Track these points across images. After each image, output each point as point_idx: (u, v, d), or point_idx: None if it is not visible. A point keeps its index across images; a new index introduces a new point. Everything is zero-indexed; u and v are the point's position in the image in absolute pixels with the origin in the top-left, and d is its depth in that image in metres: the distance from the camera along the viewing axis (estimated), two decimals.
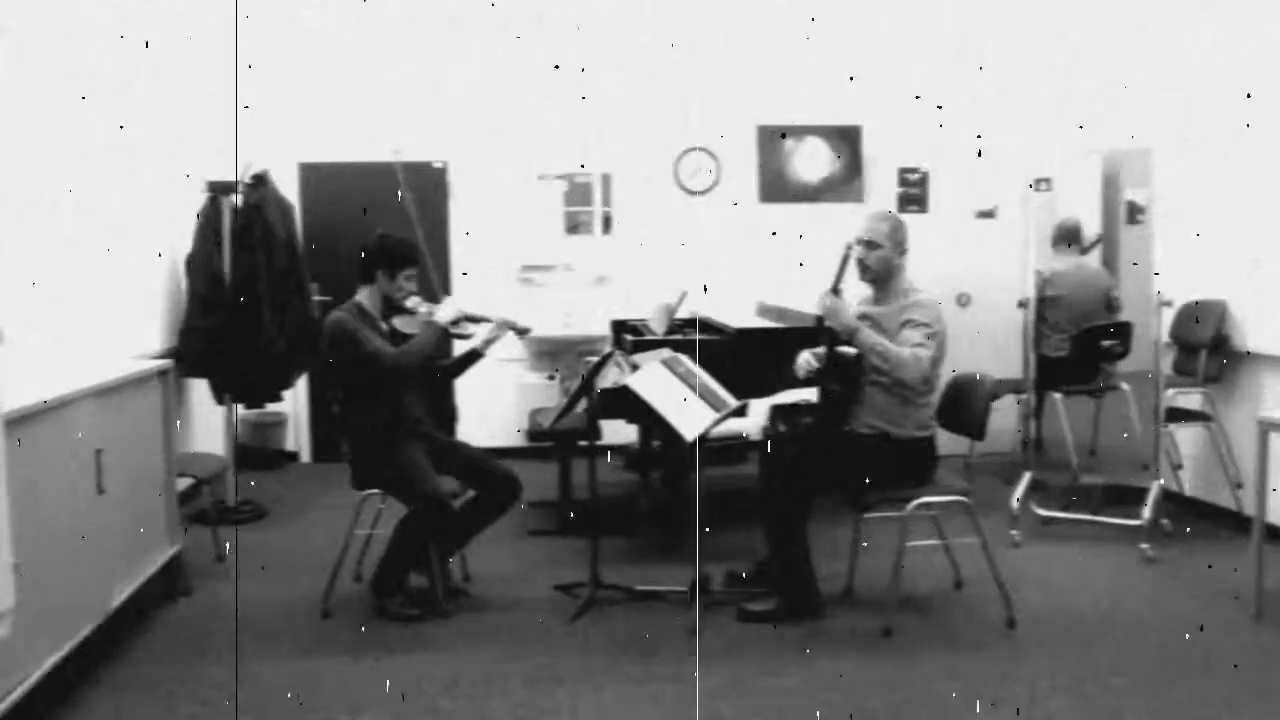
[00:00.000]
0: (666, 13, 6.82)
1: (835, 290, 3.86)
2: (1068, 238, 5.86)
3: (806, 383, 4.13)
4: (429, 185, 6.83)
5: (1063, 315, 5.63)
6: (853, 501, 3.99)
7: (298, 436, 7.00)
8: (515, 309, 4.59)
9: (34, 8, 4.21)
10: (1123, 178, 5.99)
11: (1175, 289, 5.00)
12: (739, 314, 5.46)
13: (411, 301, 4.12)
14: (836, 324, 3.84)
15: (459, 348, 4.41)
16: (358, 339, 3.97)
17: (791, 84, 6.97)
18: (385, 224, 4.37)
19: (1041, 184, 6.05)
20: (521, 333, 4.36)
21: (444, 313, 4.11)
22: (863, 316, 3.98)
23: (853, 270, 3.95)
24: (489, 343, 4.26)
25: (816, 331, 3.98)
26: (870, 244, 3.94)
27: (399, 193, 3.99)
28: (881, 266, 3.96)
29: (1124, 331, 5.43)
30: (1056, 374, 5.48)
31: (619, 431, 5.37)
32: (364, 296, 4.16)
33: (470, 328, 4.26)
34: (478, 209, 6.97)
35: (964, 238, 6.76)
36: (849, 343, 3.87)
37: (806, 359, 4.03)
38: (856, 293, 4.14)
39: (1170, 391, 5.07)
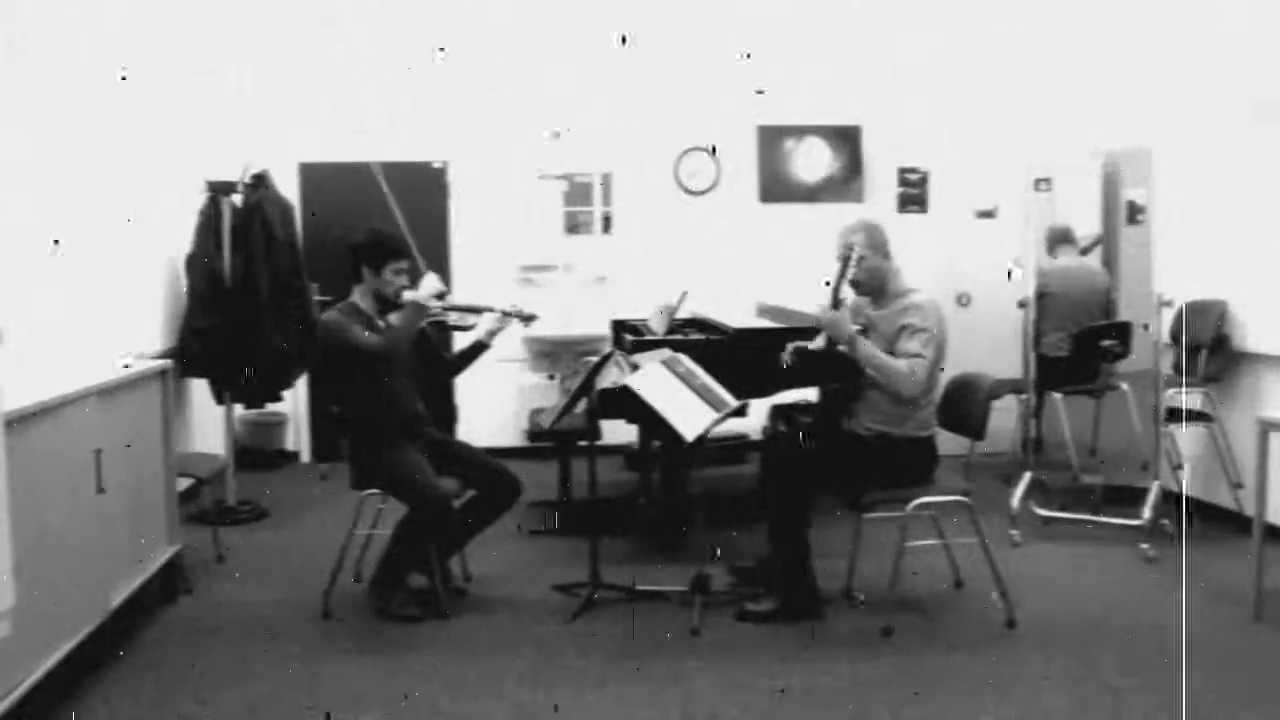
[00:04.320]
0: (667, 13, 6.82)
1: (835, 304, 3.87)
2: (1061, 240, 5.87)
3: (801, 377, 4.09)
4: (429, 185, 6.83)
5: (1061, 312, 5.63)
6: (853, 501, 3.99)
7: (298, 436, 7.00)
8: (515, 300, 4.57)
9: (35, 7, 4.21)
10: (1123, 178, 5.98)
11: (1175, 289, 5.00)
12: (739, 314, 5.46)
13: (407, 295, 4.09)
14: (836, 337, 3.83)
15: (463, 341, 4.38)
16: (343, 335, 3.96)
17: (791, 84, 6.96)
18: (383, 224, 4.36)
19: (1041, 184, 6.05)
20: (527, 320, 4.33)
21: (424, 289, 3.99)
22: (863, 325, 3.99)
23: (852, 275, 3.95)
24: (494, 333, 4.25)
25: (816, 332, 3.98)
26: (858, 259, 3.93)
27: (382, 193, 3.97)
28: (871, 276, 3.96)
29: (1124, 331, 5.43)
30: (1056, 374, 5.47)
31: (619, 432, 5.37)
32: (358, 295, 4.16)
33: (472, 319, 4.24)
34: (478, 209, 6.97)
35: (964, 238, 6.76)
36: (849, 350, 3.86)
37: (790, 351, 3.99)
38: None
39: (1170, 391, 5.07)
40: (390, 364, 4.01)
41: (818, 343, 3.93)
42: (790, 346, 4.01)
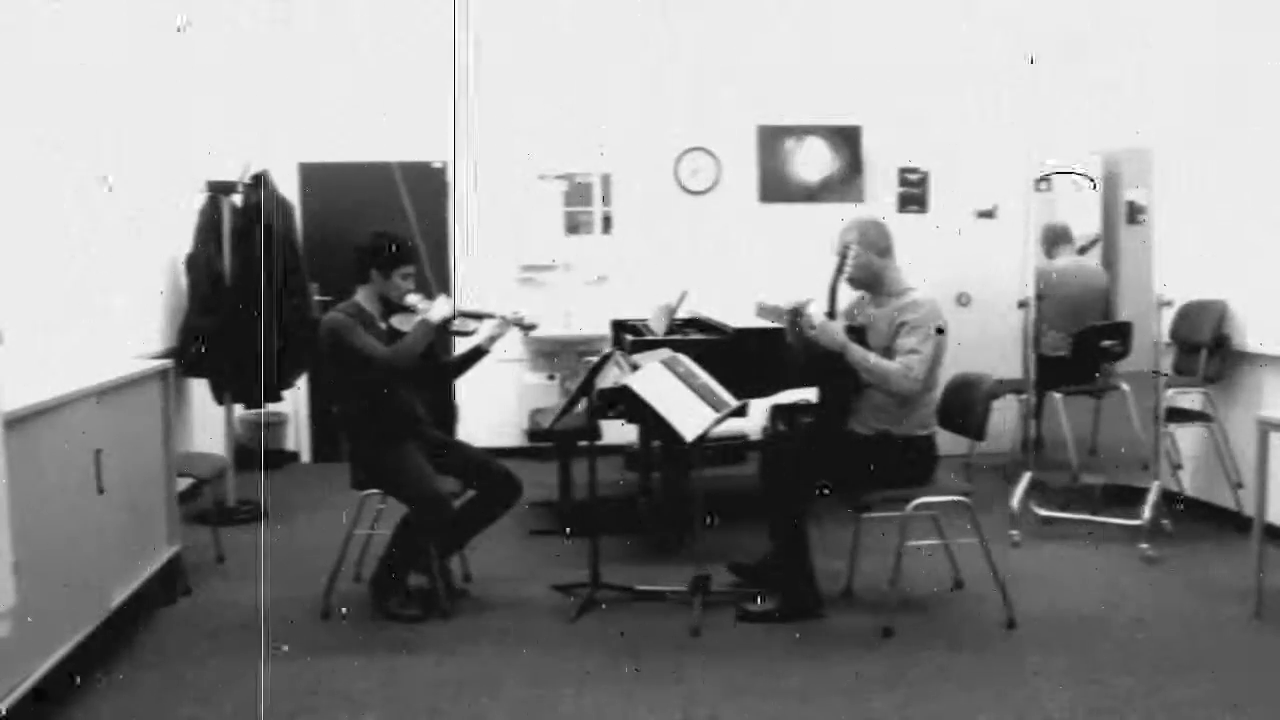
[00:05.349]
0: (667, 13, 6.81)
1: (832, 303, 3.88)
2: (1059, 239, 5.86)
3: (801, 377, 4.10)
4: (429, 185, 6.83)
5: (1060, 312, 5.62)
6: (853, 501, 3.99)
7: (298, 436, 6.99)
8: (516, 308, 4.58)
9: (35, 6, 4.21)
10: (1123, 178, 5.98)
11: (1175, 289, 4.99)
12: (739, 314, 5.46)
13: (411, 299, 4.11)
14: (828, 344, 3.84)
15: (463, 345, 4.39)
16: (350, 339, 3.96)
17: (791, 84, 6.96)
18: (384, 224, 4.37)
19: (1041, 184, 6.05)
20: (528, 329, 4.35)
21: (437, 310, 4.07)
22: (864, 324, 3.99)
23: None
24: (493, 339, 4.25)
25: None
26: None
27: (399, 193, 4.03)
28: (865, 272, 3.97)
29: (1124, 331, 5.43)
30: (1056, 374, 5.47)
31: (619, 431, 5.37)
32: (362, 296, 4.16)
33: (472, 325, 4.25)
34: (478, 209, 6.97)
35: (964, 238, 6.76)
36: (841, 357, 3.86)
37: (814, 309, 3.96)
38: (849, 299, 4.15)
39: (1170, 391, 5.07)
40: (392, 374, 4.01)
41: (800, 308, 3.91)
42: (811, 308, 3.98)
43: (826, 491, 3.96)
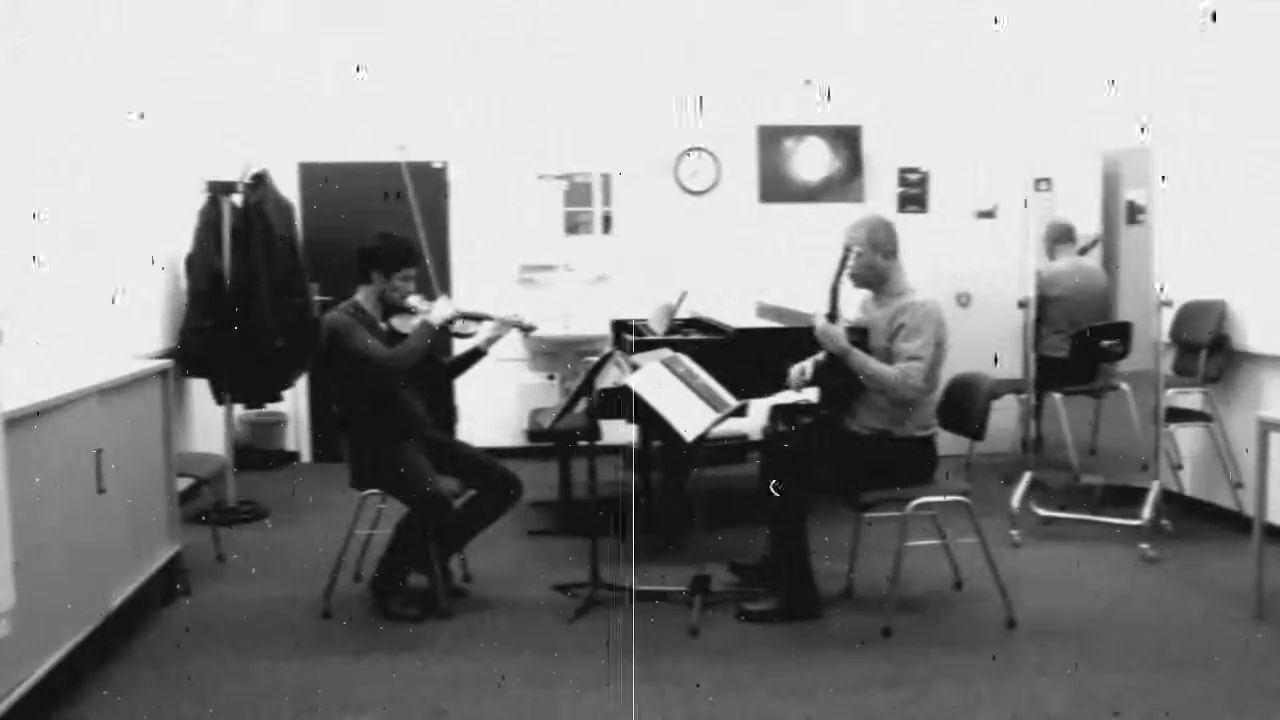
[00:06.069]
0: (667, 12, 6.81)
1: (833, 304, 3.88)
2: (1062, 237, 5.86)
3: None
4: (429, 185, 6.83)
5: (1060, 313, 5.63)
6: (853, 501, 3.99)
7: (298, 436, 7.00)
8: (515, 309, 4.58)
9: (36, 7, 4.21)
10: (1123, 178, 5.98)
11: (1175, 289, 5.00)
12: (739, 314, 5.46)
13: (412, 300, 4.12)
14: (830, 347, 3.85)
15: (462, 346, 4.40)
16: (350, 339, 3.97)
17: (791, 84, 6.96)
18: (385, 224, 4.37)
19: (1041, 184, 6.05)
20: (527, 331, 4.36)
21: (438, 312, 4.09)
22: (859, 326, 3.99)
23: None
24: (492, 341, 4.26)
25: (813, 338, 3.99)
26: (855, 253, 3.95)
27: (404, 191, 4.05)
28: (865, 271, 3.97)
29: (1124, 331, 5.43)
30: (1056, 374, 5.47)
31: (619, 431, 5.37)
32: (363, 296, 4.17)
33: (472, 326, 4.26)
34: (478, 209, 6.97)
35: (964, 238, 6.76)
36: (842, 360, 3.86)
37: (799, 370, 4.04)
38: (858, 294, 4.15)
39: (1170, 391, 5.07)
40: (390, 375, 4.02)
41: (809, 362, 3.96)
42: (795, 372, 4.04)
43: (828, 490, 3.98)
